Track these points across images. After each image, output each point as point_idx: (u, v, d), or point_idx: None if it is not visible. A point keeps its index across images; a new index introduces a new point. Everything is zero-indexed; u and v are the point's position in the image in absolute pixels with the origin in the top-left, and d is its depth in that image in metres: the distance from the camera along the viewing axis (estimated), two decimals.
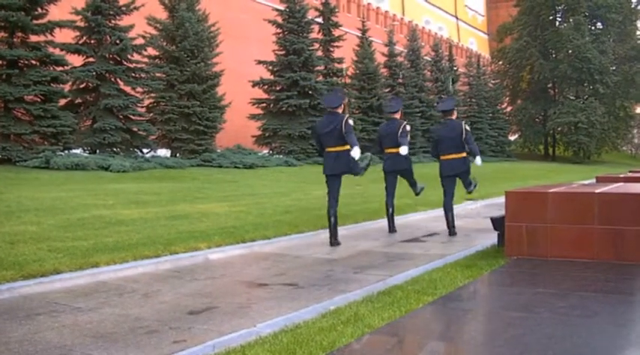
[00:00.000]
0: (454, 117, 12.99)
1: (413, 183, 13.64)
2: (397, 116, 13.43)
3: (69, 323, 6.32)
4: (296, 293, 7.66)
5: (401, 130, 12.83)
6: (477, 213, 15.97)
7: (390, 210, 13.26)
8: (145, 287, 7.96)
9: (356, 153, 10.99)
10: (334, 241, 11.62)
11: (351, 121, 11.38)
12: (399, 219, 13.86)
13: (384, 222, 13.97)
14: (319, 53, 38.82)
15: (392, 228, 13.34)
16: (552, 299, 6.37)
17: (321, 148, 11.86)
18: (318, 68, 38.35)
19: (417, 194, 13.99)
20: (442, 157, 12.73)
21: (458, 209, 16.69)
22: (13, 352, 5.49)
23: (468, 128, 12.62)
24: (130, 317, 6.58)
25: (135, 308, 6.98)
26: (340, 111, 11.74)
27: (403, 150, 12.62)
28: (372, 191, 21.39)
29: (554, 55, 67.12)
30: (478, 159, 13.00)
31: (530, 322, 5.48)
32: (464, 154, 12.58)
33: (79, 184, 18.71)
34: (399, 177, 13.50)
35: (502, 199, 9.48)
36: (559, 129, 65.81)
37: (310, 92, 35.86)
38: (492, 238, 10.61)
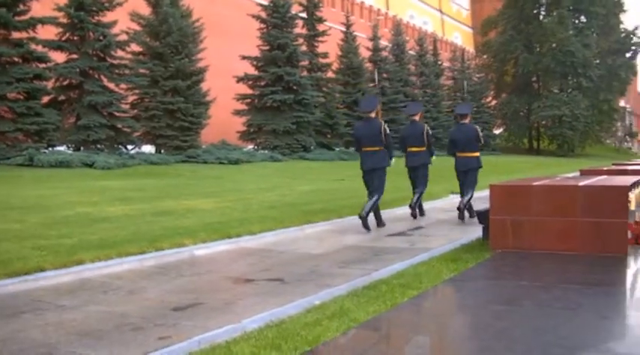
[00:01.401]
0: (468, 120, 14.42)
1: (422, 181, 14.93)
2: (417, 118, 14.99)
3: (53, 321, 6.28)
4: (281, 289, 7.65)
5: (425, 135, 14.59)
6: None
7: (417, 196, 14.69)
8: (130, 284, 7.94)
9: (392, 163, 13.14)
10: (380, 223, 13.13)
11: (387, 129, 12.80)
12: (385, 214, 13.86)
13: (369, 216, 14.00)
14: (303, 48, 38.86)
15: (421, 212, 14.91)
16: (537, 292, 6.39)
17: (358, 147, 13.17)
18: (303, 63, 38.41)
19: (415, 192, 14.92)
20: (459, 155, 14.22)
21: (443, 202, 16.74)
22: None
23: (481, 133, 14.38)
24: (114, 314, 6.55)
25: (120, 305, 6.95)
26: (374, 115, 12.97)
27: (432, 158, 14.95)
28: (358, 185, 21.41)
29: (538, 49, 67.46)
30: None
31: (515, 315, 5.50)
32: (477, 153, 14.15)
33: (63, 182, 18.66)
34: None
35: (487, 193, 9.49)
36: (543, 122, 66.21)
37: (295, 87, 35.86)
38: (477, 231, 10.64)
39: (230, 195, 17.80)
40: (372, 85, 45.41)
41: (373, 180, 12.93)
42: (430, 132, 14.88)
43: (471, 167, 14.13)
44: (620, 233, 8.09)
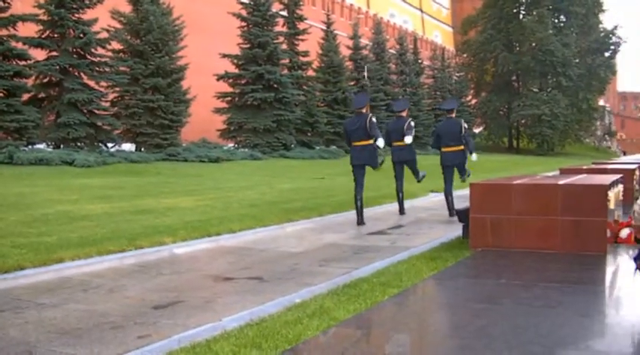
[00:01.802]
0: (454, 115, 14.85)
1: (416, 172, 15.23)
2: (404, 114, 15.21)
3: (33, 320, 6.26)
4: (261, 287, 7.65)
5: (406, 126, 14.63)
6: (442, 205, 16.04)
7: (400, 195, 15.01)
8: (110, 283, 7.92)
9: (380, 143, 13.26)
10: (360, 221, 13.27)
11: (374, 119, 13.32)
12: (366, 212, 13.89)
13: (349, 215, 14.12)
14: (284, 46, 38.85)
15: (402, 211, 15.07)
16: (516, 290, 6.42)
17: (349, 143, 13.63)
18: (283, 61, 38.37)
19: (418, 181, 15.56)
20: (443, 149, 14.52)
21: (423, 201, 16.78)
22: None
23: (465, 126, 14.67)
24: (94, 312, 6.54)
25: (100, 303, 6.94)
26: (365, 110, 13.45)
27: (408, 139, 14.53)
28: (337, 184, 21.43)
29: (518, 48, 67.80)
30: (474, 156, 14.95)
31: (494, 313, 5.52)
32: (461, 147, 14.39)
33: (42, 179, 18.58)
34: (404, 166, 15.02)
35: (467, 191, 9.53)
36: (523, 121, 66.54)
37: (275, 85, 35.84)
38: (457, 230, 10.68)
39: (210, 193, 17.78)
40: (352, 83, 45.39)
41: (363, 175, 13.42)
42: (413, 125, 14.99)
43: (457, 162, 14.51)
44: (600, 232, 8.13)
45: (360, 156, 13.36)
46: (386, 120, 45.72)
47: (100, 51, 27.85)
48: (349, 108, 41.58)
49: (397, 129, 14.87)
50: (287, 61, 39.10)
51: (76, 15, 26.59)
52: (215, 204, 15.23)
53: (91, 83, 27.06)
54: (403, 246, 10.31)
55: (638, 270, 4.72)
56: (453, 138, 14.34)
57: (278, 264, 9.19)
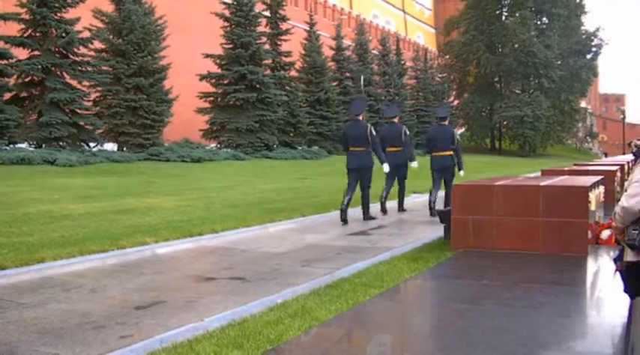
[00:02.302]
0: (447, 122, 15.82)
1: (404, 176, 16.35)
2: (396, 120, 16.61)
3: (14, 320, 6.24)
4: (243, 287, 7.66)
5: (404, 137, 15.97)
6: (424, 206, 16.13)
7: (385, 194, 15.79)
8: (92, 283, 7.90)
9: (386, 168, 14.67)
10: (344, 218, 13.71)
11: (373, 131, 14.25)
12: (349, 212, 13.92)
13: (331, 215, 14.21)
14: (267, 47, 38.81)
15: (384, 210, 15.63)
16: (498, 291, 6.45)
17: (346, 147, 14.42)
18: (266, 62, 38.34)
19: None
20: (434, 154, 15.31)
21: (406, 202, 16.81)
22: None
23: (457, 135, 16.03)
24: (76, 312, 6.52)
25: (81, 303, 6.92)
26: (361, 117, 14.37)
27: (414, 164, 16.44)
28: (320, 184, 21.46)
29: (500, 49, 68.05)
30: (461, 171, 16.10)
31: (476, 314, 5.54)
32: (451, 152, 15.27)
33: (24, 179, 18.52)
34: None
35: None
36: (505, 122, 66.77)
37: (258, 86, 35.81)
38: (439, 231, 10.72)
39: (192, 193, 17.76)
40: (334, 83, 45.39)
41: (359, 178, 14.13)
42: (408, 132, 16.39)
43: (447, 165, 15.17)
44: (581, 233, 8.18)
45: (356, 161, 14.08)
46: (368, 119, 46.02)
47: (83, 50, 27.77)
48: (331, 108, 41.69)
49: (392, 135, 15.97)
50: (270, 61, 39.06)
51: (58, 14, 26.51)
52: (197, 204, 15.22)
53: (74, 82, 26.98)
54: (385, 247, 10.34)
55: (617, 272, 4.75)
56: (445, 143, 15.21)
57: (260, 264, 9.20)
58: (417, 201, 17.88)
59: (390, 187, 15.93)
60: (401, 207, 16.27)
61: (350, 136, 14.21)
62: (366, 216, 14.36)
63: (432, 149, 15.52)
